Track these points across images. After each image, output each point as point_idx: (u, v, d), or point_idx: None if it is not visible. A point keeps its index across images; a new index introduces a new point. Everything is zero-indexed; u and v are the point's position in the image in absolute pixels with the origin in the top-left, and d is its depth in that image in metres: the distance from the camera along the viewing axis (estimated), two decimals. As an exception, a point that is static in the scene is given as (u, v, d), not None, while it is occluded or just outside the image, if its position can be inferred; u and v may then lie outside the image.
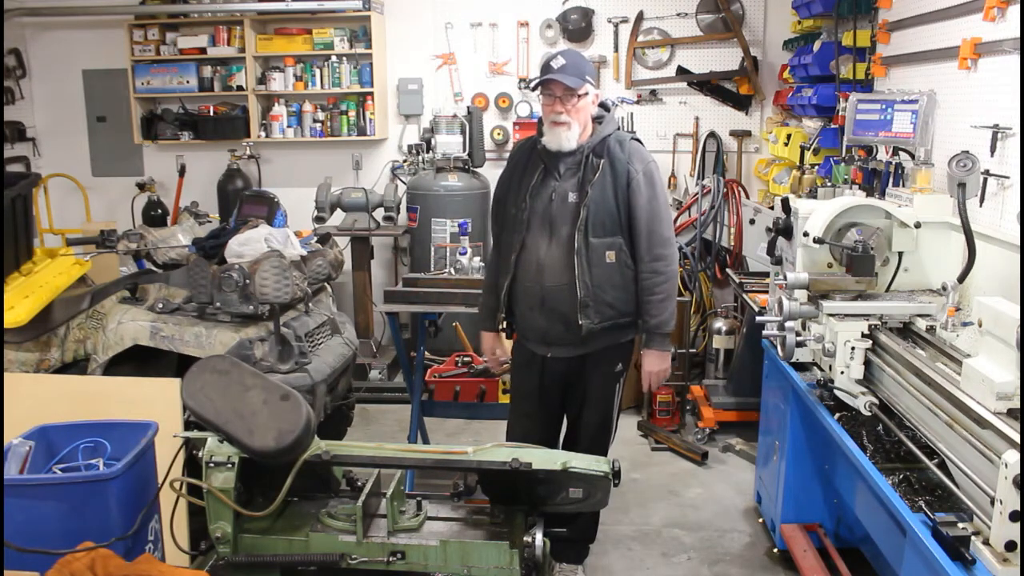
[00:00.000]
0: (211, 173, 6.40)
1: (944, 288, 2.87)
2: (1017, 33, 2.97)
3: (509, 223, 3.12)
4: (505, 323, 3.26)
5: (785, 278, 3.03)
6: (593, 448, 3.14)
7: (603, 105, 3.14)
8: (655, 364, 3.17)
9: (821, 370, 3.10)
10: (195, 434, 2.42)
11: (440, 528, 2.41)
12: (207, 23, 6.25)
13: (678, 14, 6.00)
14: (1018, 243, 2.78)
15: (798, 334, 3.00)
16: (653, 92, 6.13)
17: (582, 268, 2.98)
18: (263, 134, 6.31)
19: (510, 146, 6.10)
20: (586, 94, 2.98)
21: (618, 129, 3.16)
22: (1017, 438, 1.95)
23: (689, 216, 5.82)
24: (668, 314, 3.07)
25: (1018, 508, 1.88)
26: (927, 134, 3.52)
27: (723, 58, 6.04)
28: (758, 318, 3.32)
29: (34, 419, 2.60)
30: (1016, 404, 2.07)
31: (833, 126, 4.68)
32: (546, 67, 2.99)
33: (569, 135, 2.98)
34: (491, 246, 3.40)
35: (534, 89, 3.09)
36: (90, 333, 3.57)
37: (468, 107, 5.88)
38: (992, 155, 3.10)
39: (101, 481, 2.31)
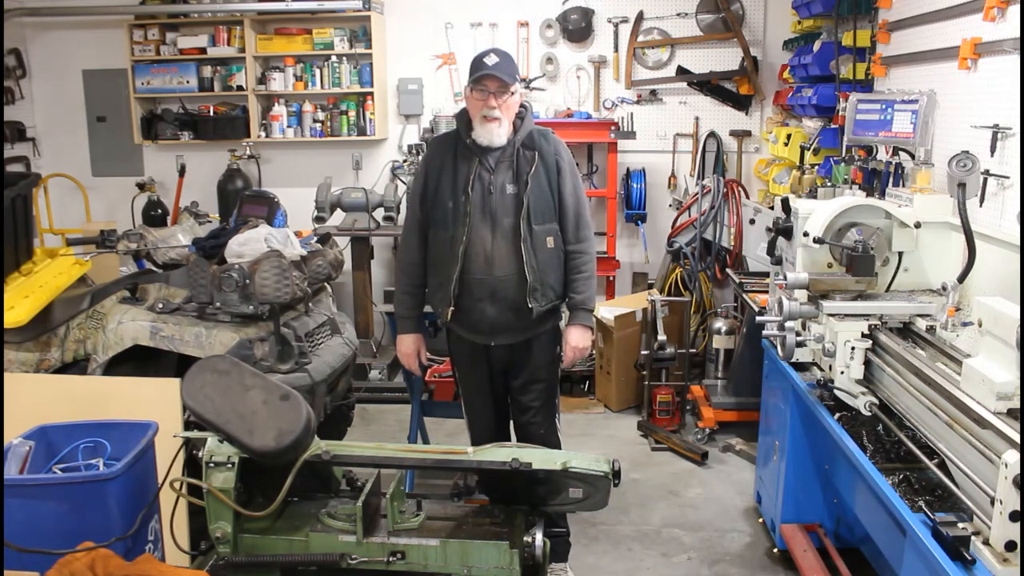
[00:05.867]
0: (211, 173, 6.40)
1: (944, 288, 2.87)
2: (1017, 33, 2.97)
3: (446, 217, 3.18)
4: (449, 316, 3.25)
5: (785, 278, 3.04)
6: (548, 435, 3.32)
7: (521, 105, 3.25)
8: (579, 340, 3.29)
9: (821, 370, 3.10)
10: (195, 434, 2.42)
11: (440, 528, 2.41)
12: (207, 23, 6.25)
13: (678, 14, 6.01)
14: (1018, 243, 2.78)
15: (798, 334, 3.01)
16: (653, 92, 6.13)
17: (529, 255, 3.12)
18: (263, 134, 6.31)
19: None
20: (515, 92, 3.13)
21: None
22: (1017, 438, 1.95)
23: (689, 216, 5.82)
24: (592, 291, 3.27)
25: (1018, 508, 1.88)
26: (927, 134, 3.52)
27: (723, 58, 6.04)
28: (758, 318, 3.32)
29: (34, 419, 2.60)
30: (1016, 404, 2.07)
31: (833, 126, 4.68)
32: (480, 64, 3.10)
33: (500, 130, 3.11)
34: (403, 245, 3.38)
35: (471, 85, 3.13)
36: (90, 333, 3.57)
37: (468, 107, 5.88)
38: (992, 155, 3.10)
39: (101, 481, 2.31)
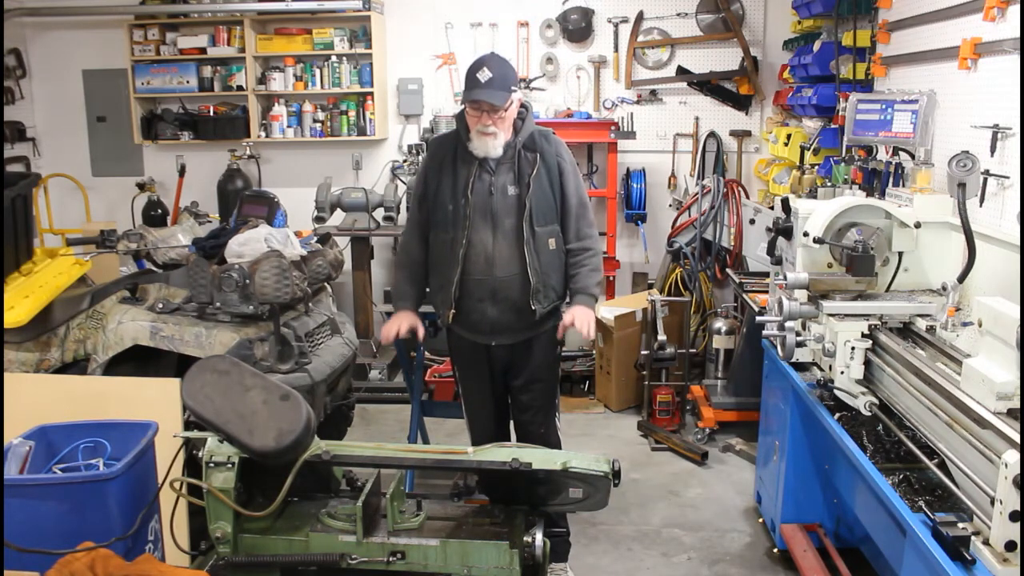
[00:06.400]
0: (211, 173, 6.40)
1: (944, 288, 2.87)
2: (1017, 33, 2.97)
3: (447, 218, 3.17)
4: (451, 319, 3.25)
5: (785, 278, 3.04)
6: (548, 434, 3.33)
7: (522, 105, 3.22)
8: (583, 312, 3.18)
9: (821, 370, 3.10)
10: (195, 434, 2.42)
11: (440, 528, 2.41)
12: (207, 23, 6.25)
13: (678, 14, 6.01)
14: (1018, 243, 2.78)
15: (798, 334, 3.01)
16: (653, 92, 6.13)
17: (532, 256, 3.13)
18: (263, 134, 6.31)
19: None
20: (511, 103, 3.08)
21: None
22: (1017, 438, 1.95)
23: (689, 216, 5.82)
24: (595, 282, 3.25)
25: (1018, 508, 1.88)
26: (927, 134, 3.52)
27: (723, 58, 6.04)
28: (758, 318, 3.32)
29: (34, 419, 2.60)
30: (1016, 404, 2.07)
31: (833, 126, 4.68)
32: (472, 79, 3.05)
33: (496, 143, 3.11)
34: (403, 246, 3.39)
35: (464, 101, 3.10)
36: (90, 333, 3.57)
37: (468, 107, 5.87)
38: (992, 155, 3.10)
39: (101, 481, 2.31)
